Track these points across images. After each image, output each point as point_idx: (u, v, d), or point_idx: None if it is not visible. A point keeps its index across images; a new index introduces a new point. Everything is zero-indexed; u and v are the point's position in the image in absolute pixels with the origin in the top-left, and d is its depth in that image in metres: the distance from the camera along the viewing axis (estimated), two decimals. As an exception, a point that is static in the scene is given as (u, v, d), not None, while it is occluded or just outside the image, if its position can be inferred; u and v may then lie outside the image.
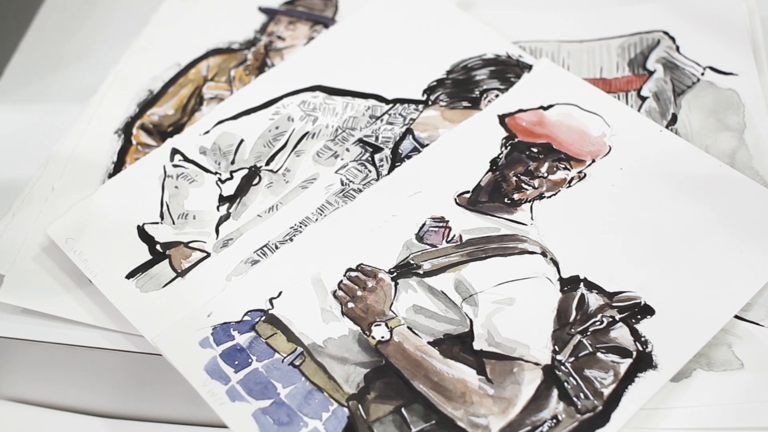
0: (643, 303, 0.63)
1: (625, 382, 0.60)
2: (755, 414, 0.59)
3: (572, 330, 0.63)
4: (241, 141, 0.75)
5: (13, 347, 0.68)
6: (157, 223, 0.70)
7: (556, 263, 0.66)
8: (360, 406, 0.60)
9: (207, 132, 0.76)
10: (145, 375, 0.68)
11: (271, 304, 0.65)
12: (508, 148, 0.72)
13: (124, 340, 0.67)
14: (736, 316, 0.63)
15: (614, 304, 0.64)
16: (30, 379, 0.68)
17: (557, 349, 0.62)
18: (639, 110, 0.75)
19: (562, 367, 0.61)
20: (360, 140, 0.74)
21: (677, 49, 0.78)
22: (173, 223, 0.70)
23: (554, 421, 0.59)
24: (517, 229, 0.68)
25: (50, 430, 0.68)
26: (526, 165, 0.71)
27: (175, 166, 0.74)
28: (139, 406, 0.70)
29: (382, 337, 0.63)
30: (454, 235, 0.68)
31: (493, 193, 0.70)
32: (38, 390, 0.68)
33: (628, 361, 0.61)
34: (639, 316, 0.63)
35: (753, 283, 0.64)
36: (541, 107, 0.74)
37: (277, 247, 0.68)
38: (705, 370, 0.61)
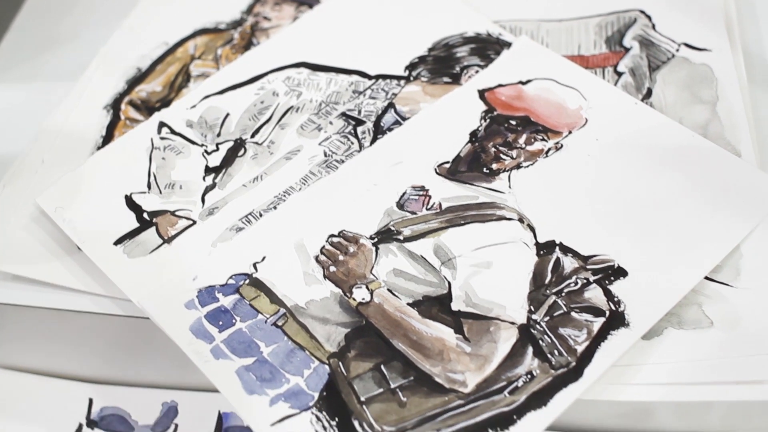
0: (616, 265, 0.65)
1: (598, 339, 0.62)
2: (724, 370, 0.61)
3: (547, 291, 0.64)
4: (227, 115, 0.76)
5: (3, 313, 0.70)
6: (144, 192, 0.72)
7: (532, 229, 0.68)
8: (341, 363, 0.62)
9: (194, 106, 0.77)
10: (133, 339, 0.69)
11: (255, 268, 0.67)
12: (488, 120, 0.74)
13: (112, 305, 0.68)
14: (707, 278, 0.65)
15: (588, 267, 0.65)
16: (20, 344, 0.70)
17: (533, 309, 0.64)
18: (615, 85, 0.76)
19: (538, 326, 0.63)
20: (343, 114, 0.76)
21: (653, 26, 0.80)
22: (160, 192, 0.72)
23: (529, 376, 0.61)
24: (495, 197, 0.70)
25: (39, 396, 0.70)
26: (504, 137, 0.73)
27: (162, 138, 0.75)
28: (127, 370, 0.71)
29: (363, 299, 0.65)
30: (434, 203, 0.69)
31: (473, 164, 0.72)
32: (28, 356, 0.70)
33: (602, 319, 0.63)
34: (612, 278, 0.65)
35: (723, 246, 0.66)
36: (520, 82, 0.76)
37: (261, 215, 0.70)
38: (676, 329, 0.63)
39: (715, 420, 0.68)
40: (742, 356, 0.61)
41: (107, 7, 0.89)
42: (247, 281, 0.66)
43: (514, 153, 0.72)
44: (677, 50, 0.78)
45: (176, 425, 0.71)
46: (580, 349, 0.62)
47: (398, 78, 0.78)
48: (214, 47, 0.83)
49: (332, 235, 0.68)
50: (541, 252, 0.66)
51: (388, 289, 0.65)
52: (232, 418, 0.71)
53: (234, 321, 0.64)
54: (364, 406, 0.60)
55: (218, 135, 0.75)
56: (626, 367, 0.62)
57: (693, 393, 0.61)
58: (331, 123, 0.75)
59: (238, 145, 0.74)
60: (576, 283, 0.65)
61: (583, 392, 0.60)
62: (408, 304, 0.64)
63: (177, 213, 0.71)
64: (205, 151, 0.74)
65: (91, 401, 0.72)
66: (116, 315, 0.68)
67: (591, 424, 0.69)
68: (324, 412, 0.60)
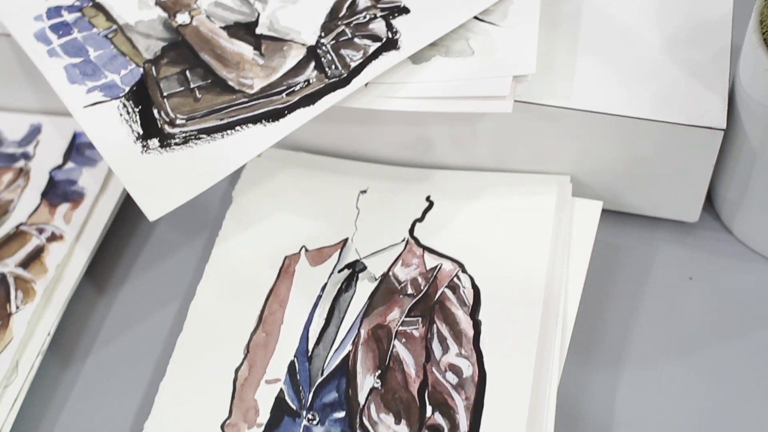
0: (402, 5, 0.75)
1: (370, 58, 0.72)
2: (475, 86, 0.71)
3: (339, 22, 0.75)
4: None
5: None
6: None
7: (341, -22, 0.78)
8: (153, 67, 0.73)
9: None
10: (6, 65, 0.81)
11: (98, -7, 0.78)
12: None
13: (-19, 23, 0.80)
14: (478, 18, 0.75)
15: (378, 6, 0.76)
16: None
17: (323, 35, 0.74)
18: None
19: (323, 47, 0.73)
20: None
21: None
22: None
23: (306, 83, 0.72)
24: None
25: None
26: None
27: None
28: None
29: (184, 22, 0.76)
30: (263, -46, 0.80)
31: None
32: None
33: (378, 44, 0.73)
34: (396, 14, 0.75)
35: (496, -7, 0.75)
36: None
37: (115, -40, 0.81)
38: (443, 56, 0.73)
39: (486, 156, 0.78)
40: (492, 78, 0.71)
41: None
42: (90, 4, 0.77)
43: None
44: None
45: (38, 141, 0.84)
46: (353, 64, 0.72)
47: None
48: None
49: (170, -25, 0.79)
50: (342, -7, 0.77)
51: (207, 16, 0.76)
52: (83, 137, 0.83)
53: (72, 32, 0.76)
54: (165, 99, 0.72)
55: None
56: (396, 84, 0.72)
57: (448, 105, 0.71)
58: None
59: None
60: (365, 17, 0.75)
61: (348, 96, 0.70)
62: (221, 27, 0.75)
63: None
64: None
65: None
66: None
67: (385, 156, 0.80)
68: (131, 102, 0.72)
